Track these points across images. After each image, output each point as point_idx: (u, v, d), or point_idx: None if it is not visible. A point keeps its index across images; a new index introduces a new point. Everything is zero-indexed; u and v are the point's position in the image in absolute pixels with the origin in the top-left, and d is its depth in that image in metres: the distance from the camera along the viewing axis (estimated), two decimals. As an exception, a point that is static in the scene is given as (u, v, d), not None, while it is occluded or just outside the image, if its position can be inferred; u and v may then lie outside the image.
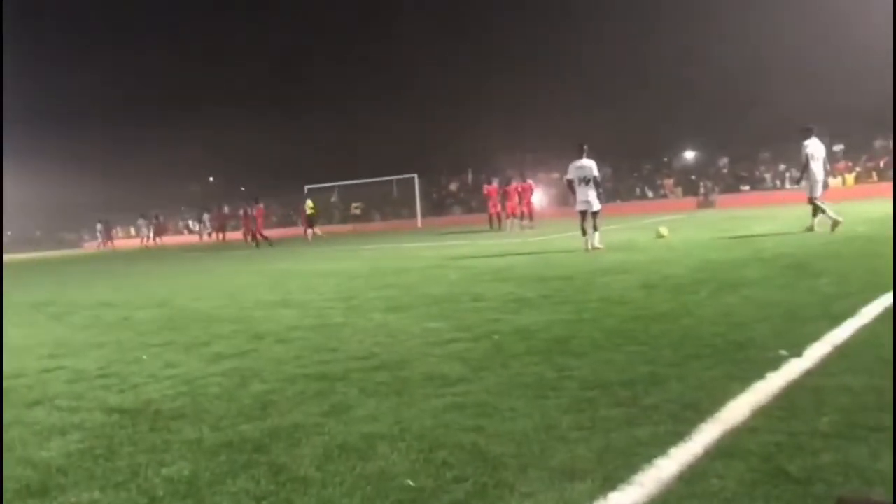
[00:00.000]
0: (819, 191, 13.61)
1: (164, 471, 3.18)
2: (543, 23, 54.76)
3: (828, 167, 14.20)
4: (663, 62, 47.74)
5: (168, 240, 49.83)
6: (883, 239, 10.96)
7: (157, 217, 46.80)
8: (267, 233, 31.33)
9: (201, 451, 3.41)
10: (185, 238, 53.98)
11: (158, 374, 5.22)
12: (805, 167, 13.83)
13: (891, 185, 31.33)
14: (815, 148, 13.76)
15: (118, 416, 4.13)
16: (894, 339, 4.33)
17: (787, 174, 36.66)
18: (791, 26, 42.66)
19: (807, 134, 13.91)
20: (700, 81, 45.77)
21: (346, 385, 4.42)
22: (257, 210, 29.95)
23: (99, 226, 49.48)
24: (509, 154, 42.95)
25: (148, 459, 3.35)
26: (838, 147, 36.40)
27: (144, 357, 5.93)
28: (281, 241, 32.54)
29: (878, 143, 35.88)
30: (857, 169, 33.48)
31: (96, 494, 2.98)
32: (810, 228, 13.35)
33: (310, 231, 32.08)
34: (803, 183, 13.90)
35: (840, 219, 13.04)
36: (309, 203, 33.30)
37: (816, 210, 13.53)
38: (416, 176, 43.22)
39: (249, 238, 30.47)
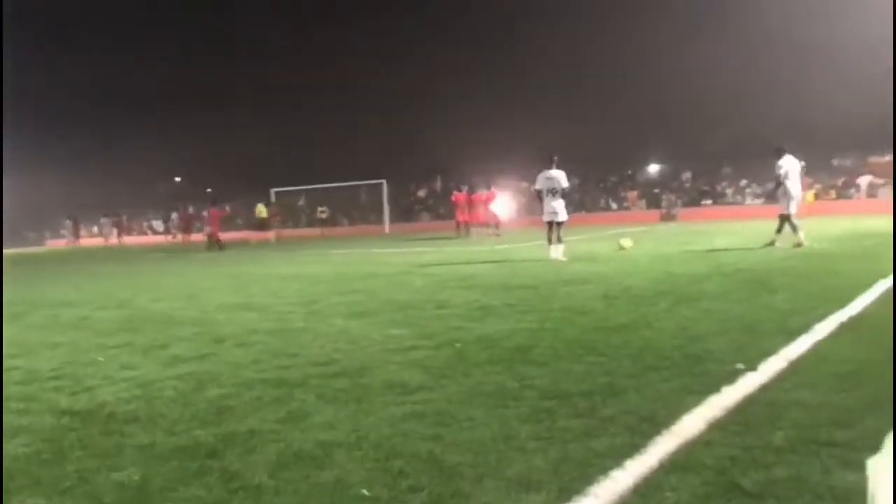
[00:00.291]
0: (794, 208, 13.71)
1: (114, 476, 3.12)
2: (515, 33, 55.08)
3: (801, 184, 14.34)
4: (631, 76, 48.27)
5: (132, 240, 49.15)
6: (839, 256, 11.17)
7: (119, 216, 46.09)
8: (228, 236, 31.02)
9: (153, 457, 3.35)
10: (150, 238, 53.27)
11: (114, 375, 5.12)
12: (777, 186, 14.00)
13: (849, 203, 32.02)
14: (789, 166, 13.90)
15: (69, 419, 4.05)
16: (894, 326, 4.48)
17: (748, 190, 37.28)
18: (755, 46, 43.42)
19: (779, 153, 14.07)
20: (665, 96, 46.33)
21: (305, 391, 4.38)
22: (212, 212, 29.57)
23: (67, 222, 48.60)
24: (479, 162, 43.00)
25: (98, 464, 3.28)
26: (801, 163, 37.06)
27: (101, 358, 5.83)
28: (246, 245, 32.23)
29: (836, 162, 36.62)
30: (818, 186, 34.09)
31: (41, 501, 2.91)
32: (771, 243, 13.49)
33: (270, 234, 31.82)
34: (780, 200, 14.01)
35: (804, 242, 13.17)
36: (259, 207, 33.04)
37: (782, 227, 13.66)
38: (384, 182, 43.10)
39: (216, 238, 30.07)
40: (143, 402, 4.33)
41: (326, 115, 59.75)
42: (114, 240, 43.37)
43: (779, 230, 13.76)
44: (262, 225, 33.03)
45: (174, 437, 3.63)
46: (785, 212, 13.76)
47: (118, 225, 45.61)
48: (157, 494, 2.90)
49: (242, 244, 31.93)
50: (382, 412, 3.86)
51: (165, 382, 4.81)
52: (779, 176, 13.94)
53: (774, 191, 14.17)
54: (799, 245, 13.09)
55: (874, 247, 12.65)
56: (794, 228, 13.51)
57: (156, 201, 60.81)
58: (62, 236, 52.73)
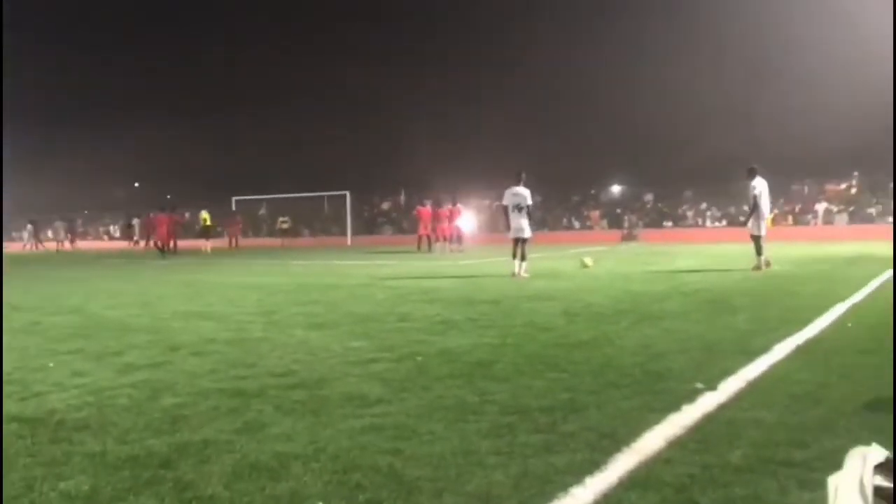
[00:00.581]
0: (764, 229, 13.70)
1: (62, 485, 3.01)
2: (484, 52, 55.45)
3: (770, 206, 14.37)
4: (596, 98, 48.88)
5: (88, 244, 48.22)
6: (798, 279, 11.38)
7: (72, 220, 45.16)
8: (185, 243, 30.60)
9: (104, 465, 3.24)
10: (106, 244, 52.30)
11: (65, 382, 4.98)
12: (754, 207, 13.86)
13: (806, 229, 32.68)
14: (762, 187, 13.85)
15: (17, 426, 3.91)
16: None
17: (709, 213, 37.89)
18: (719, 72, 44.33)
19: (752, 174, 13.98)
20: (630, 119, 47.04)
21: (262, 402, 4.30)
22: (159, 217, 29.09)
23: (29, 226, 47.51)
24: (443, 178, 43.11)
25: (45, 472, 3.16)
26: (758, 189, 37.80)
27: (51, 364, 5.66)
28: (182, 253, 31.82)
29: (794, 188, 37.42)
30: (775, 211, 34.80)
31: (-16, 508, 2.80)
32: (758, 267, 13.34)
33: (207, 244, 31.44)
34: (750, 222, 13.94)
35: (768, 263, 13.21)
36: (203, 215, 32.73)
37: (760, 248, 13.58)
38: (348, 193, 42.94)
39: (160, 245, 29.46)
40: (95, 410, 4.21)
41: (291, 125, 59.48)
42: (66, 244, 42.44)
43: (759, 251, 13.58)
44: (204, 232, 32.62)
45: (126, 445, 3.52)
46: (755, 233, 13.73)
47: (71, 230, 44.70)
48: (105, 504, 2.81)
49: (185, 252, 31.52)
50: (341, 424, 3.80)
51: (118, 390, 4.69)
52: (753, 197, 13.82)
53: (752, 212, 13.94)
54: (758, 268, 13.22)
55: (830, 271, 12.93)
56: (760, 250, 13.51)
57: (113, 206, 59.81)
58: (15, 240, 51.55)
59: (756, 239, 13.73)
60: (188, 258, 26.02)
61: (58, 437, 3.71)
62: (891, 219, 32.93)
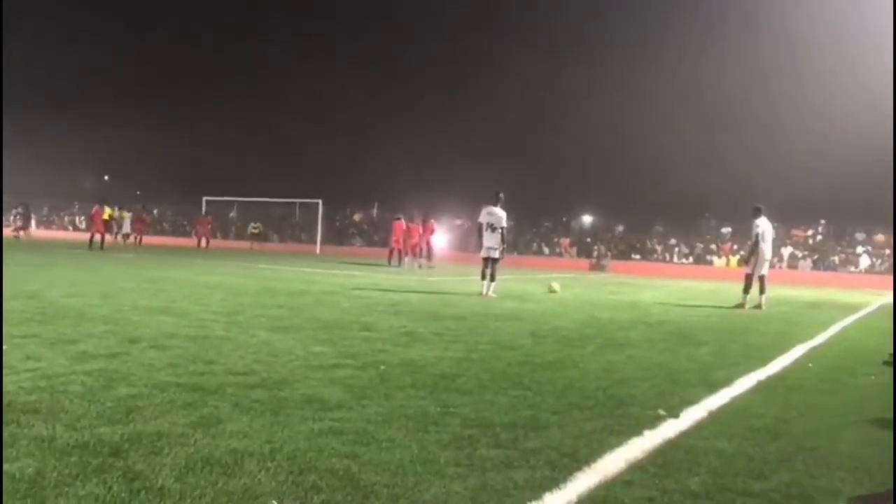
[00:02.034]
0: (766, 269, 13.60)
1: (7, 467, 2.90)
2: (463, 75, 55.84)
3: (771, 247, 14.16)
4: (573, 127, 49.40)
5: (51, 234, 47.34)
6: (761, 318, 11.50)
7: (27, 208, 44.08)
8: (151, 240, 30.21)
9: (51, 450, 3.14)
10: (71, 234, 51.31)
11: (17, 366, 4.84)
12: (755, 246, 13.74)
13: (770, 272, 33.12)
14: (765, 227, 13.75)
15: (-37, 406, 3.79)
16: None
17: (677, 249, 38.30)
18: (693, 109, 45.03)
19: (757, 213, 13.87)
20: (605, 151, 47.60)
21: (220, 398, 4.21)
22: (96, 211, 28.74)
23: (14, 211, 46.59)
24: (417, 194, 43.13)
25: (-11, 453, 3.05)
26: (726, 229, 38.38)
27: (4, 347, 5.50)
28: (169, 251, 31.42)
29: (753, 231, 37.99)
30: (742, 252, 35.31)
31: (-78, 485, 2.69)
32: (751, 306, 13.23)
33: (106, 237, 31.04)
34: (751, 261, 13.79)
35: (754, 306, 13.12)
36: (107, 209, 32.50)
37: (763, 287, 13.46)
38: (320, 202, 42.73)
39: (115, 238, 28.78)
40: (46, 395, 4.09)
41: (268, 130, 59.25)
42: (17, 232, 41.46)
43: (746, 290, 13.51)
44: (106, 226, 32.32)
45: (76, 432, 3.42)
46: (750, 272, 13.59)
47: (23, 217, 43.80)
48: (51, 489, 2.71)
49: (184, 249, 31.09)
50: (299, 426, 3.73)
51: (72, 377, 4.57)
52: (756, 236, 13.71)
53: (753, 251, 13.81)
54: (741, 306, 13.13)
55: (793, 313, 13.09)
56: (754, 289, 13.37)
57: (81, 197, 58.76)
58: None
59: (749, 277, 13.61)
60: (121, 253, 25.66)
61: (6, 419, 3.59)
62: (852, 268, 33.59)
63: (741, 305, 13.34)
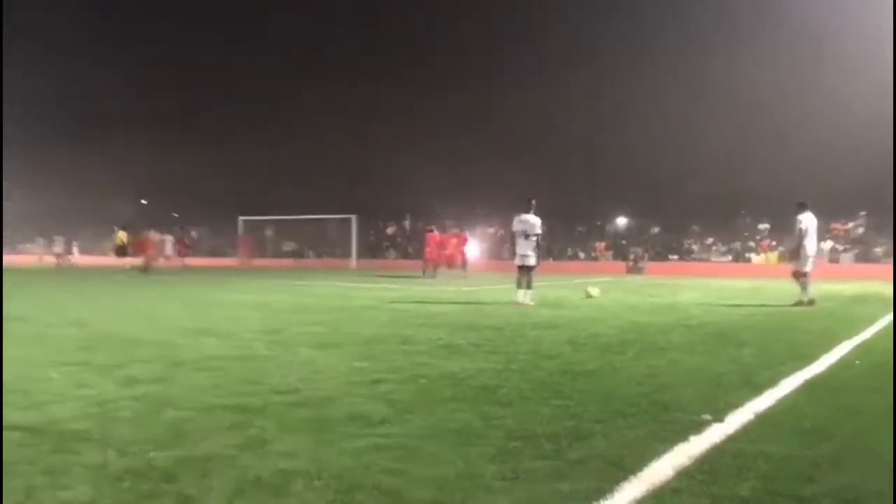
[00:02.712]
0: (810, 265, 13.38)
1: (62, 494, 2.99)
2: (492, 82, 55.86)
3: (817, 242, 13.85)
4: (606, 129, 49.11)
5: (95, 260, 48.25)
6: (804, 315, 11.31)
7: (65, 235, 45.01)
8: (193, 261, 30.77)
9: (104, 477, 3.22)
10: (113, 260, 52.27)
11: (68, 393, 4.96)
12: (799, 242, 13.48)
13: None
14: (808, 222, 13.52)
15: (19, 434, 3.89)
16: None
17: (714, 247, 37.84)
18: (726, 107, 44.52)
19: (801, 209, 13.65)
20: (638, 151, 47.21)
21: (265, 419, 4.27)
22: (145, 238, 29.47)
23: (40, 239, 47.79)
24: (448, 204, 43.22)
25: (46, 481, 3.14)
26: (763, 226, 37.84)
27: (55, 375, 5.64)
28: (210, 271, 31.85)
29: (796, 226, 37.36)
30: (781, 248, 34.74)
31: (-16, 515, 2.77)
32: (800, 303, 13.07)
33: (126, 261, 31.67)
34: (794, 257, 13.55)
35: (797, 302, 12.99)
36: (119, 234, 33.22)
37: (802, 283, 13.29)
38: (353, 217, 43.01)
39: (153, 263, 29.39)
40: (97, 421, 4.18)
41: (299, 148, 59.72)
42: (63, 259, 42.27)
43: (803, 287, 13.28)
44: (119, 251, 32.97)
45: (127, 458, 3.50)
46: (800, 269, 13.35)
47: (67, 244, 44.73)
48: (106, 516, 2.78)
49: (223, 270, 31.50)
50: (344, 443, 3.77)
51: (121, 402, 4.67)
52: (799, 231, 13.46)
53: (797, 248, 13.49)
54: (801, 304, 12.92)
55: (836, 309, 12.85)
56: (804, 286, 13.21)
57: (119, 223, 59.92)
58: (23, 252, 51.71)
59: (797, 275, 13.41)
60: (161, 275, 26.02)
61: (59, 447, 3.68)
62: (897, 260, 32.85)
63: (800, 303, 13.10)
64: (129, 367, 6.06)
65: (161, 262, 33.08)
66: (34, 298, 14.24)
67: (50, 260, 43.86)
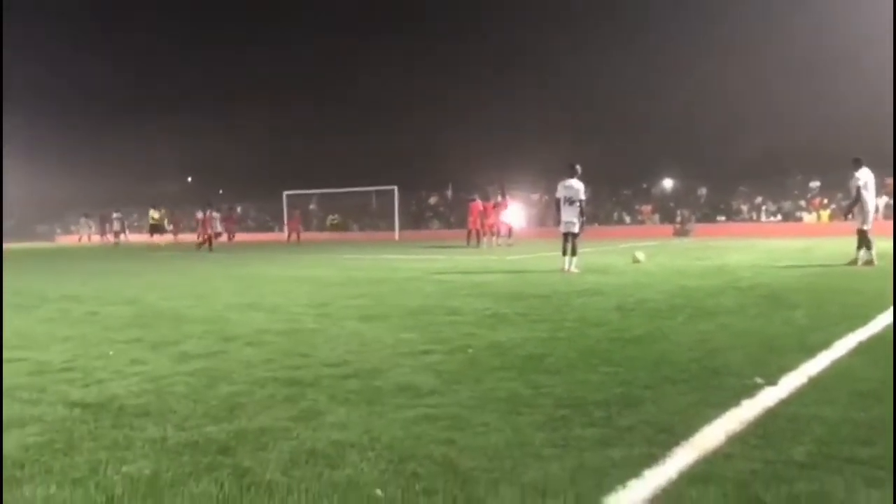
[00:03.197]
0: (870, 223, 13.12)
1: (125, 468, 3.08)
2: (532, 47, 55.13)
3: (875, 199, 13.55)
4: (650, 91, 48.25)
5: (141, 239, 49.35)
6: (858, 275, 11.07)
7: (120, 213, 45.89)
8: (239, 237, 31.37)
9: (164, 451, 3.31)
10: (161, 238, 53.30)
11: (124, 370, 5.10)
12: (857, 198, 13.27)
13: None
14: (866, 178, 13.28)
15: (80, 411, 4.02)
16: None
17: (764, 207, 37.10)
18: (773, 64, 43.36)
19: (857, 165, 13.39)
20: (681, 112, 46.30)
21: (317, 391, 4.34)
22: (204, 215, 30.08)
23: (82, 219, 49.01)
24: (491, 172, 43.03)
25: (108, 456, 3.24)
26: (814, 184, 36.95)
27: (111, 353, 5.81)
28: (256, 247, 32.30)
29: (851, 182, 36.40)
30: (833, 206, 33.93)
31: (52, 490, 2.87)
32: (854, 261, 12.90)
33: (157, 237, 32.60)
34: (857, 215, 13.32)
35: (875, 261, 12.71)
36: (152, 213, 33.98)
37: (862, 243, 13.07)
38: (396, 188, 43.12)
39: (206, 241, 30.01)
40: (154, 397, 4.30)
41: (341, 121, 59.94)
42: (123, 237, 43.22)
43: (860, 246, 13.08)
44: (153, 229, 33.95)
45: (185, 432, 3.59)
46: (861, 227, 13.12)
47: (102, 223, 45.72)
48: (167, 489, 2.86)
49: (272, 244, 31.95)
50: (395, 414, 3.82)
51: (176, 378, 4.79)
52: (858, 188, 13.21)
53: (853, 205, 13.31)
54: (854, 263, 12.72)
55: (891, 268, 12.51)
56: (868, 245, 12.97)
57: (165, 202, 61.06)
58: (72, 232, 53.01)
59: (860, 233, 13.14)
60: (183, 252, 26.43)
61: (119, 422, 3.79)
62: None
63: (854, 262, 12.84)
64: (181, 343, 6.20)
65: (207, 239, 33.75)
66: (85, 278, 14.61)
67: (97, 239, 44.92)
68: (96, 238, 45.51)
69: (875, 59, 37.08)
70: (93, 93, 64.06)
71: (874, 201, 13.33)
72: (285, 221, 41.39)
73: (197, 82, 64.61)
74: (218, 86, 64.83)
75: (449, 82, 55.03)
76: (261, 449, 3.31)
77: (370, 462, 3.10)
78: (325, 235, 42.88)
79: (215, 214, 37.44)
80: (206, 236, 28.91)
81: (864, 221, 13.10)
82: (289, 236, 37.52)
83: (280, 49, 63.06)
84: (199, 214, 31.67)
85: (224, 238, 37.19)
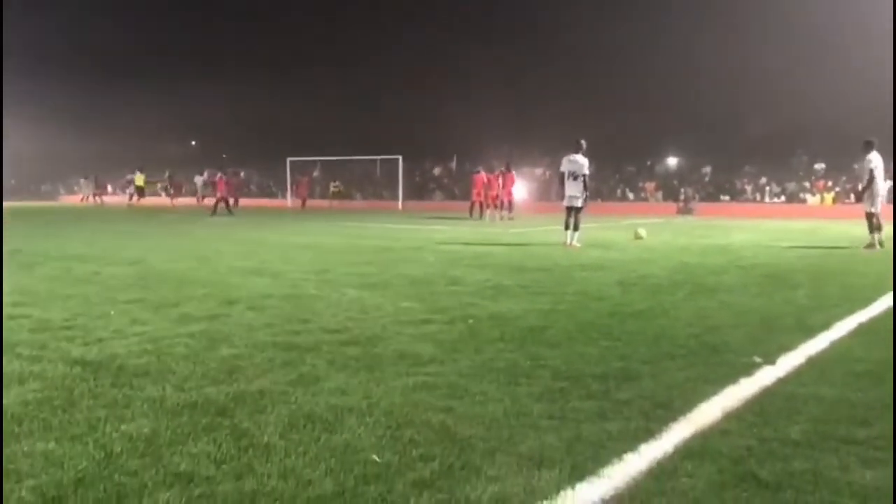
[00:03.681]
0: (879, 206, 13.04)
1: (124, 427, 3.10)
2: (539, 18, 54.58)
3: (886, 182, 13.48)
4: (656, 67, 47.82)
5: (148, 201, 49.39)
6: (861, 258, 11.05)
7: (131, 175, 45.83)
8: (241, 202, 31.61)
9: (163, 411, 3.33)
10: (164, 201, 53.31)
11: (125, 330, 5.12)
12: (870, 181, 13.09)
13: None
14: (878, 161, 13.15)
15: (80, 369, 4.04)
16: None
17: (768, 188, 36.95)
18: (780, 43, 42.92)
19: (868, 147, 13.22)
20: (687, 90, 45.95)
21: (316, 356, 4.35)
22: (219, 178, 30.10)
23: (82, 180, 48.95)
24: (495, 145, 42.76)
25: (107, 414, 3.27)
26: (819, 166, 36.73)
27: (112, 312, 5.83)
28: (256, 212, 32.30)
29: (858, 165, 36.23)
30: (837, 189, 33.78)
31: (51, 445, 2.89)
32: (871, 245, 12.70)
33: (136, 200, 33.87)
34: (864, 197, 13.16)
35: (878, 245, 12.62)
36: (138, 174, 34.40)
37: (872, 225, 12.92)
38: (400, 158, 42.91)
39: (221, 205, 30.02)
40: (154, 358, 4.31)
41: (345, 89, 59.54)
42: (89, 199, 43.09)
43: (871, 229, 12.90)
44: (138, 191, 35.40)
45: (184, 393, 3.61)
46: (870, 209, 12.99)
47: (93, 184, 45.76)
48: (165, 447, 2.88)
49: (272, 210, 31.95)
50: (394, 381, 3.83)
51: (176, 339, 4.80)
52: (870, 171, 13.02)
53: (866, 188, 13.11)
54: (871, 246, 12.60)
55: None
56: (878, 228, 12.86)
57: (170, 165, 60.92)
58: (76, 192, 52.97)
59: (870, 216, 13.03)
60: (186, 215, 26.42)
61: (119, 381, 3.81)
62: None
63: (871, 245, 12.71)
64: (183, 305, 6.22)
65: (206, 201, 33.78)
66: (90, 238, 14.61)
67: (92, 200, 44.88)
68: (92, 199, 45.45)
69: (885, 40, 36.68)
70: (99, 54, 63.59)
71: (884, 184, 13.16)
72: (292, 187, 41.37)
73: (204, 46, 64.04)
74: (221, 50, 64.27)
75: (455, 53, 54.58)
76: (259, 411, 3.32)
77: (368, 427, 3.12)
78: (328, 203, 42.75)
79: (198, 179, 37.74)
80: (220, 198, 28.98)
81: (873, 204, 13.00)
82: (295, 202, 37.51)
83: (288, 16, 62.50)
84: (205, 177, 31.68)
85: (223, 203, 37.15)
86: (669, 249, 12.35)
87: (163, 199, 39.44)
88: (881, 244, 12.63)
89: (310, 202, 41.07)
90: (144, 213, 30.60)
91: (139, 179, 35.03)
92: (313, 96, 60.73)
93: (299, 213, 30.57)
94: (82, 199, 46.44)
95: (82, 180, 49.39)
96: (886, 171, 14.69)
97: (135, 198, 40.91)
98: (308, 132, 55.59)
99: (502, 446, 2.92)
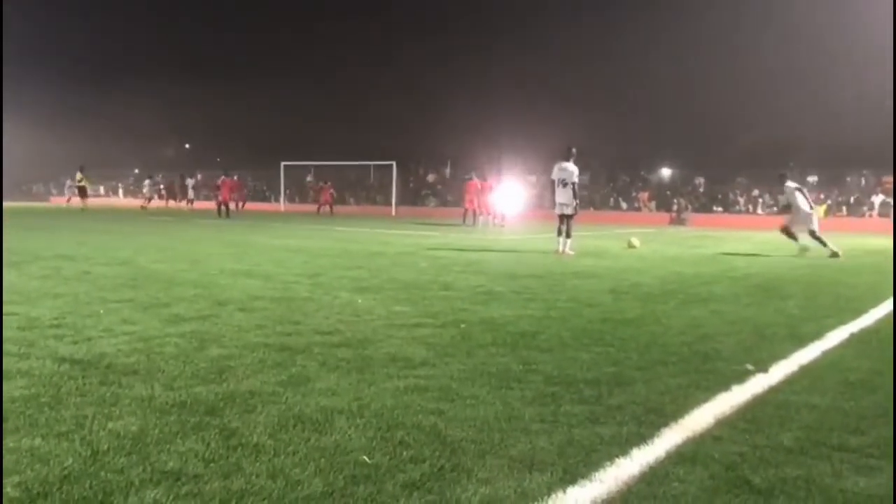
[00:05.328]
0: (815, 224, 13.89)
1: (111, 425, 3.07)
2: (535, 27, 54.82)
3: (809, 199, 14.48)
4: (652, 78, 48.05)
5: (137, 202, 49.14)
6: (852, 269, 11.08)
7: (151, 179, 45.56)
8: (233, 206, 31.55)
9: (151, 409, 3.30)
10: (158, 203, 53.08)
11: (114, 329, 5.08)
12: (792, 207, 14.22)
13: (860, 220, 31.82)
14: (797, 186, 14.28)
15: (68, 367, 4.00)
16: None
17: (761, 200, 37.09)
18: (774, 57, 43.22)
19: (783, 178, 14.67)
20: (682, 101, 46.16)
21: (307, 358, 4.33)
22: (222, 180, 30.10)
23: (68, 182, 48.76)
24: (490, 152, 42.88)
25: (95, 412, 3.23)
26: (812, 178, 36.90)
27: (101, 312, 5.78)
28: (248, 215, 32.23)
29: (850, 179, 36.42)
30: (829, 202, 33.92)
31: (37, 441, 2.86)
32: (835, 255, 13.12)
33: (76, 200, 33.58)
34: (796, 219, 14.13)
35: (802, 250, 13.54)
36: (79, 175, 34.38)
37: (821, 240, 13.58)
38: (394, 164, 42.93)
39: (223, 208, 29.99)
40: (143, 357, 4.28)
41: (340, 95, 59.62)
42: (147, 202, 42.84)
43: (823, 243, 13.52)
44: (81, 192, 34.83)
45: (173, 392, 3.58)
46: (809, 228, 13.84)
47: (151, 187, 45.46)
48: (153, 446, 2.85)
49: (264, 214, 31.87)
50: (385, 383, 3.81)
51: (166, 339, 4.77)
52: (795, 193, 14.19)
53: (791, 212, 14.33)
54: (804, 250, 13.44)
55: (885, 263, 12.54)
56: (795, 237, 13.97)
57: (163, 166, 60.68)
58: (66, 193, 52.78)
59: (785, 230, 14.26)
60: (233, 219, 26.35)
61: (107, 379, 3.78)
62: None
63: (805, 250, 13.57)
64: (173, 305, 6.18)
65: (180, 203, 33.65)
66: (80, 238, 14.54)
67: (77, 202, 44.64)
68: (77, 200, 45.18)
69: (878, 53, 36.95)
70: (92, 56, 63.52)
71: (808, 204, 14.17)
72: (310, 195, 41.25)
73: (197, 49, 64.04)
74: (216, 55, 64.29)
75: (451, 62, 54.72)
76: (249, 411, 3.30)
77: (358, 429, 3.09)
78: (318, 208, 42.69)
79: (189, 181, 37.56)
80: (220, 201, 28.99)
81: (810, 223, 13.85)
82: (319, 207, 37.28)
83: (283, 21, 62.56)
84: (197, 180, 31.60)
85: (195, 206, 37.17)
86: (662, 259, 12.36)
87: (157, 202, 39.25)
88: (804, 250, 13.51)
89: (304, 206, 41.01)
90: (132, 214, 30.49)
91: (81, 179, 34.90)
92: (309, 101, 60.79)
93: (328, 219, 30.10)
94: (67, 201, 46.20)
95: (68, 181, 49.16)
96: (880, 184, 15.54)
97: (74, 199, 40.59)
98: (303, 137, 55.61)
99: (493, 449, 2.90)
